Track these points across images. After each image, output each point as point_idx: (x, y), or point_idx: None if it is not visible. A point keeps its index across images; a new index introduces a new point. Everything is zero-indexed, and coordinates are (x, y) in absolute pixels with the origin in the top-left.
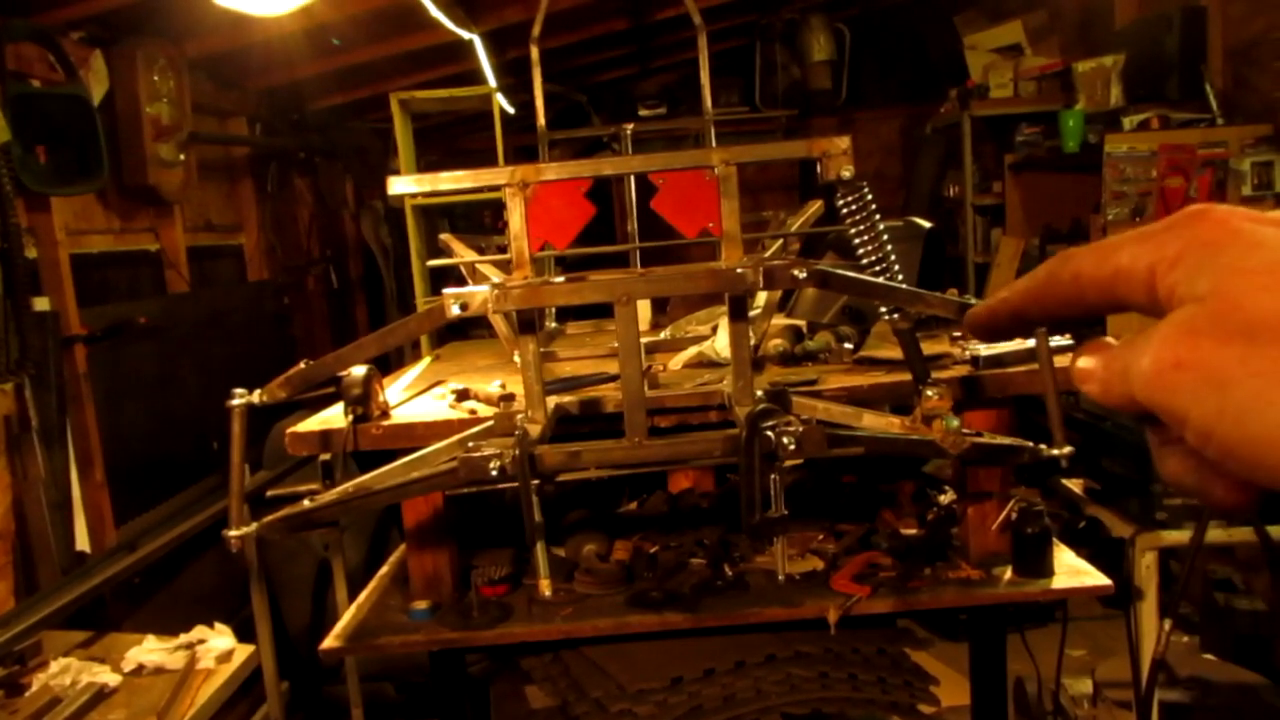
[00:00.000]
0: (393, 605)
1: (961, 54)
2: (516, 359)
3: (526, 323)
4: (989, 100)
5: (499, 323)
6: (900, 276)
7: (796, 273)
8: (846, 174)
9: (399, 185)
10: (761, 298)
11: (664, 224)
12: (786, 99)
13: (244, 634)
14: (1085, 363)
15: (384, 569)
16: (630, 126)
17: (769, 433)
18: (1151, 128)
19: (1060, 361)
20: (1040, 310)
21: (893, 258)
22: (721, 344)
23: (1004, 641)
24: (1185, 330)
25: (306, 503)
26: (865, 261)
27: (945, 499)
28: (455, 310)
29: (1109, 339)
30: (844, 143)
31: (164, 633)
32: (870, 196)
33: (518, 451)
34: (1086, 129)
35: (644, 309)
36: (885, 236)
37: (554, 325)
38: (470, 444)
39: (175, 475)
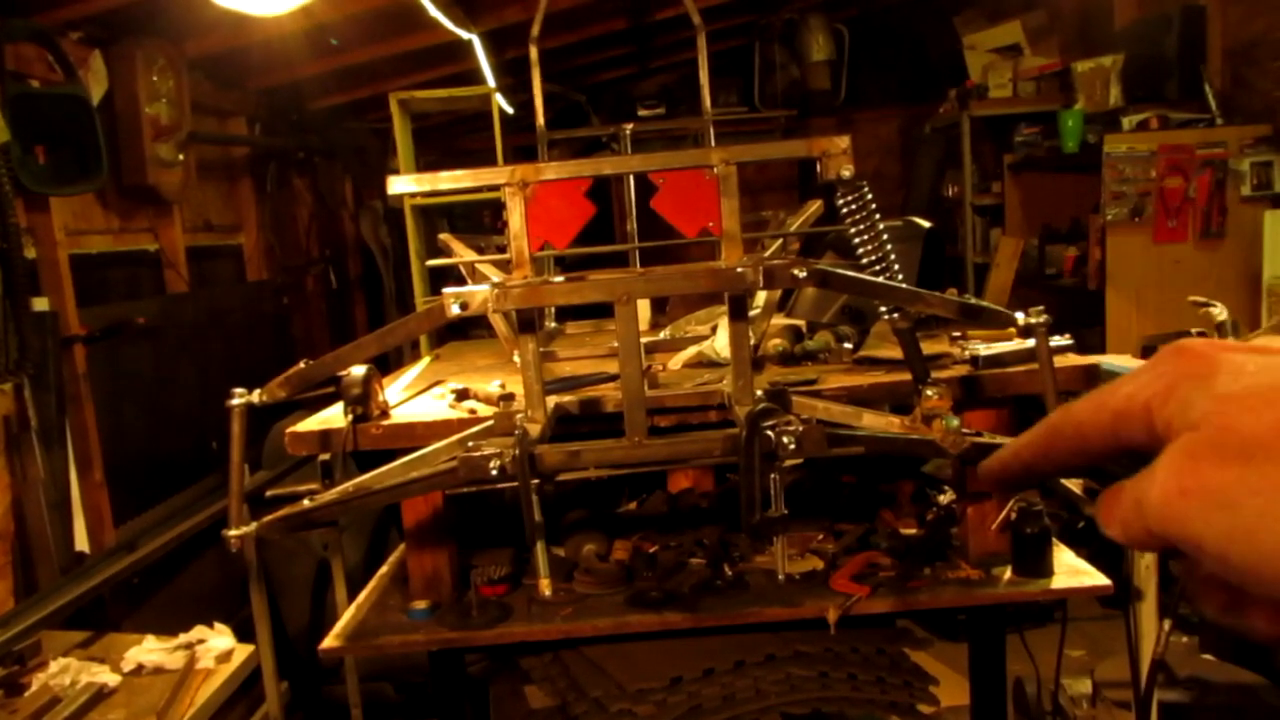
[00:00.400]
0: (392, 605)
1: (960, 54)
2: (516, 359)
3: (526, 322)
4: (988, 100)
5: (498, 322)
6: (900, 276)
7: (796, 272)
8: (846, 173)
9: (398, 185)
10: (761, 297)
11: (663, 224)
12: (785, 99)
13: (243, 634)
14: (1105, 501)
15: (383, 569)
16: (629, 126)
17: (769, 432)
18: (1151, 128)
19: (1061, 360)
20: (1049, 464)
21: (892, 257)
22: (721, 344)
23: (1003, 641)
24: (1185, 458)
25: (306, 502)
26: (865, 261)
27: (945, 499)
28: (455, 309)
29: (1123, 483)
30: (843, 142)
31: (163, 633)
32: (870, 196)
33: (518, 451)
34: (1086, 129)
35: (643, 309)
36: (885, 236)
37: (553, 325)
38: (470, 443)
39: (174, 475)
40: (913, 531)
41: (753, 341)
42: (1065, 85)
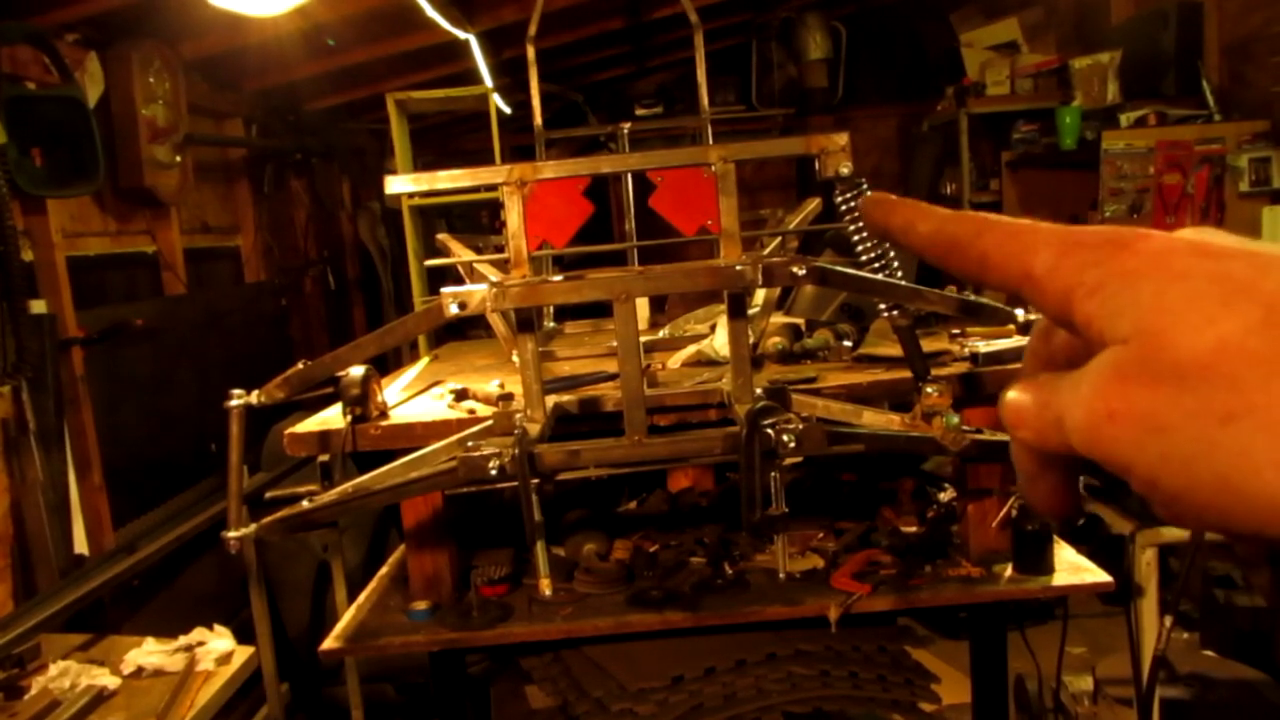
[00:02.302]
0: (392, 606)
1: (958, 51)
2: (514, 359)
3: (525, 321)
4: (985, 98)
5: (497, 322)
6: (899, 273)
7: (795, 269)
8: (844, 171)
9: (396, 184)
10: (760, 296)
11: (661, 222)
12: (783, 97)
13: (243, 636)
14: (1016, 401)
15: (383, 569)
16: (627, 126)
17: (769, 430)
18: (1148, 124)
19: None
20: (937, 259)
21: (891, 254)
22: (720, 342)
23: (1004, 639)
24: (1114, 376)
25: (305, 504)
26: (864, 258)
27: (945, 496)
28: (454, 309)
29: (1035, 380)
30: (842, 139)
31: (163, 635)
32: (869, 193)
33: (517, 450)
34: (1083, 126)
35: (642, 308)
36: None
37: (552, 325)
38: (469, 443)
39: (173, 477)
40: (913, 529)
41: (752, 340)
42: (1063, 82)
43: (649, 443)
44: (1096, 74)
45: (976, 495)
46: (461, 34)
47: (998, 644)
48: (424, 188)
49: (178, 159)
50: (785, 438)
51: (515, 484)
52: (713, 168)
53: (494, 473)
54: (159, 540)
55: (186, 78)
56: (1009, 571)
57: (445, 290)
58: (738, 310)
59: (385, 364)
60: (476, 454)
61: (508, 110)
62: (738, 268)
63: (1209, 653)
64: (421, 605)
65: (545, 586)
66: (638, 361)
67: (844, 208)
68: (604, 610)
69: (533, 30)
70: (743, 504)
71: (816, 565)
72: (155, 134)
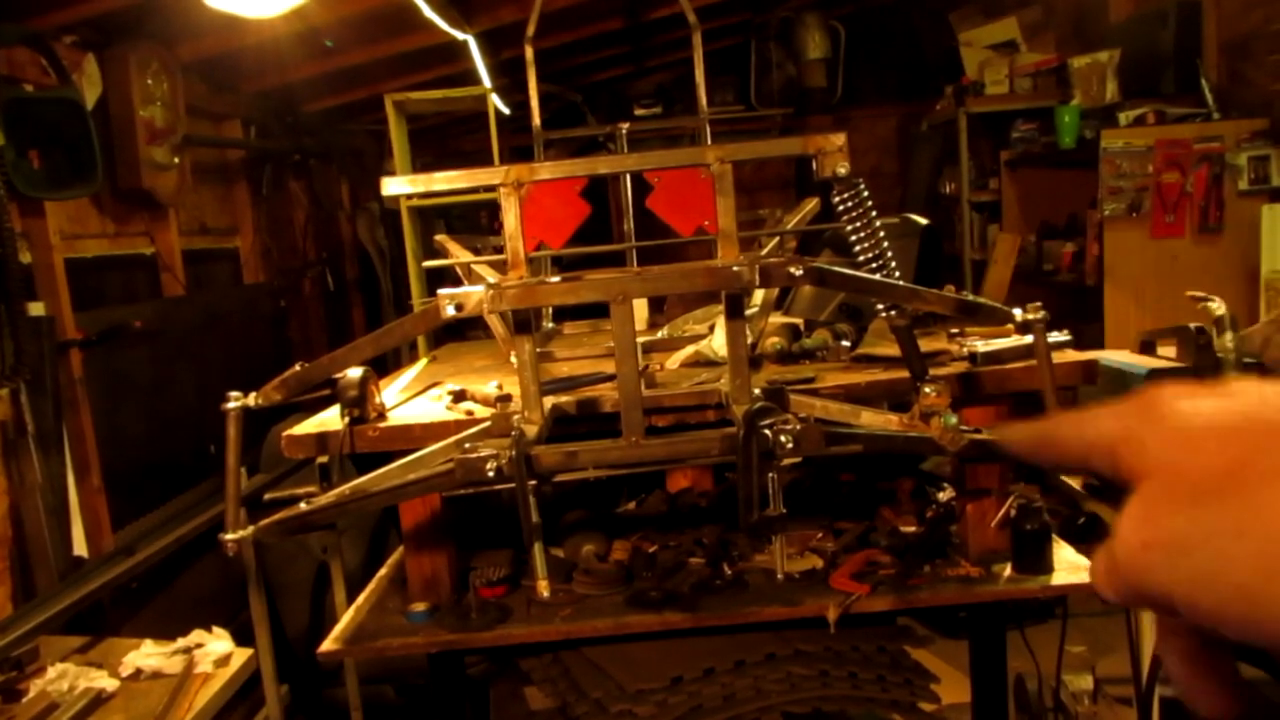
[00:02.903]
0: (391, 607)
1: (957, 51)
2: (513, 360)
3: (522, 323)
4: (984, 97)
5: (495, 323)
6: (897, 273)
7: (793, 270)
8: (842, 170)
9: (393, 186)
10: (759, 296)
11: (660, 223)
12: (782, 97)
13: (243, 637)
14: (1092, 566)
15: (383, 571)
16: (625, 126)
17: (766, 431)
18: (1147, 123)
19: (1059, 355)
20: (1040, 459)
21: (889, 254)
22: (719, 342)
23: (1004, 639)
24: (1142, 508)
25: (303, 505)
26: (862, 258)
27: (944, 496)
28: (451, 310)
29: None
30: (839, 139)
31: (163, 637)
32: (866, 193)
33: (514, 452)
34: (1082, 124)
35: (640, 309)
36: (881, 233)
37: (550, 325)
38: (467, 445)
39: (173, 479)
40: (912, 529)
41: (750, 340)
42: (1062, 81)
43: (646, 444)
44: (1095, 73)
45: (975, 495)
46: (460, 35)
47: (997, 643)
48: (421, 189)
49: (175, 160)
50: (783, 439)
51: (513, 486)
52: (710, 168)
53: (491, 474)
54: (157, 542)
55: (184, 79)
56: (1008, 571)
57: (442, 292)
58: (735, 311)
59: (385, 365)
60: (474, 456)
61: (506, 111)
62: (735, 269)
63: None
64: (420, 607)
65: (543, 588)
66: (635, 363)
67: (841, 207)
68: (603, 611)
69: (531, 31)
70: (740, 505)
71: (815, 565)
72: (153, 135)
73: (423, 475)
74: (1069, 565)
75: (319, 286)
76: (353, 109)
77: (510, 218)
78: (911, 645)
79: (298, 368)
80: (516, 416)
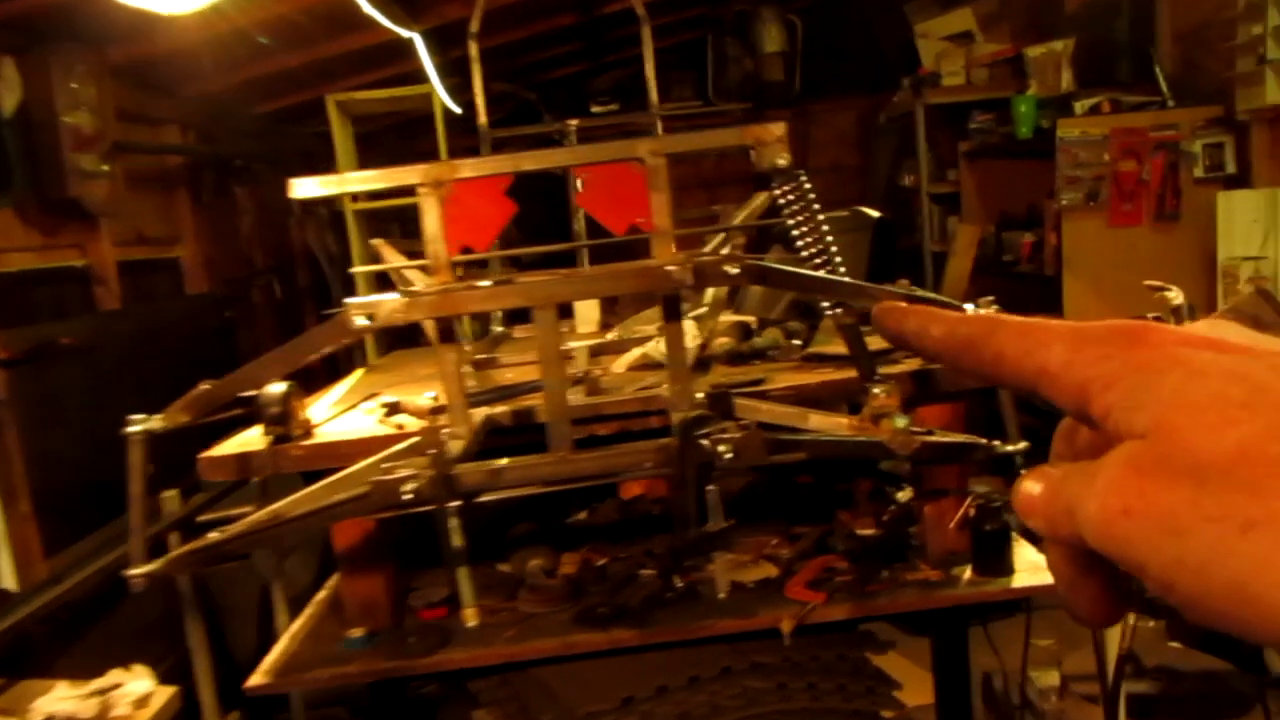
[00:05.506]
0: (326, 634)
1: (913, 42)
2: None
3: (446, 331)
4: (941, 88)
5: (432, 330)
6: (843, 269)
7: (728, 269)
8: (782, 162)
9: (303, 188)
10: (709, 294)
11: None
12: (740, 92)
13: (189, 665)
14: (1029, 490)
15: (321, 594)
16: (575, 122)
17: (704, 441)
18: (1103, 111)
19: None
20: (952, 364)
21: (834, 249)
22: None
23: (966, 639)
24: (1131, 472)
25: (214, 535)
26: (805, 254)
27: (904, 496)
28: (361, 321)
29: (1050, 468)
30: (778, 129)
31: (102, 672)
32: (808, 185)
33: (433, 472)
34: (1039, 114)
35: (592, 309)
36: (825, 227)
37: (500, 329)
38: (385, 465)
39: (111, 501)
40: (870, 532)
41: (700, 340)
42: (1018, 71)
43: (575, 458)
44: (1051, 62)
45: (933, 496)
46: (405, 33)
47: (959, 644)
48: (334, 190)
49: (106, 168)
50: (722, 449)
51: (432, 509)
52: (643, 162)
53: (409, 497)
54: (86, 569)
55: (117, 83)
56: (968, 574)
57: (350, 301)
58: (672, 313)
59: (338, 373)
60: (389, 478)
61: (458, 110)
62: (667, 269)
63: (1176, 644)
64: (356, 633)
65: (470, 617)
66: (561, 371)
67: (783, 201)
68: (548, 630)
69: (474, 26)
70: (675, 522)
71: (770, 574)
72: (80, 143)
73: (337, 500)
74: (1031, 566)
75: (270, 296)
76: (301, 111)
77: (430, 219)
78: (874, 651)
79: (205, 386)
80: (446, 430)
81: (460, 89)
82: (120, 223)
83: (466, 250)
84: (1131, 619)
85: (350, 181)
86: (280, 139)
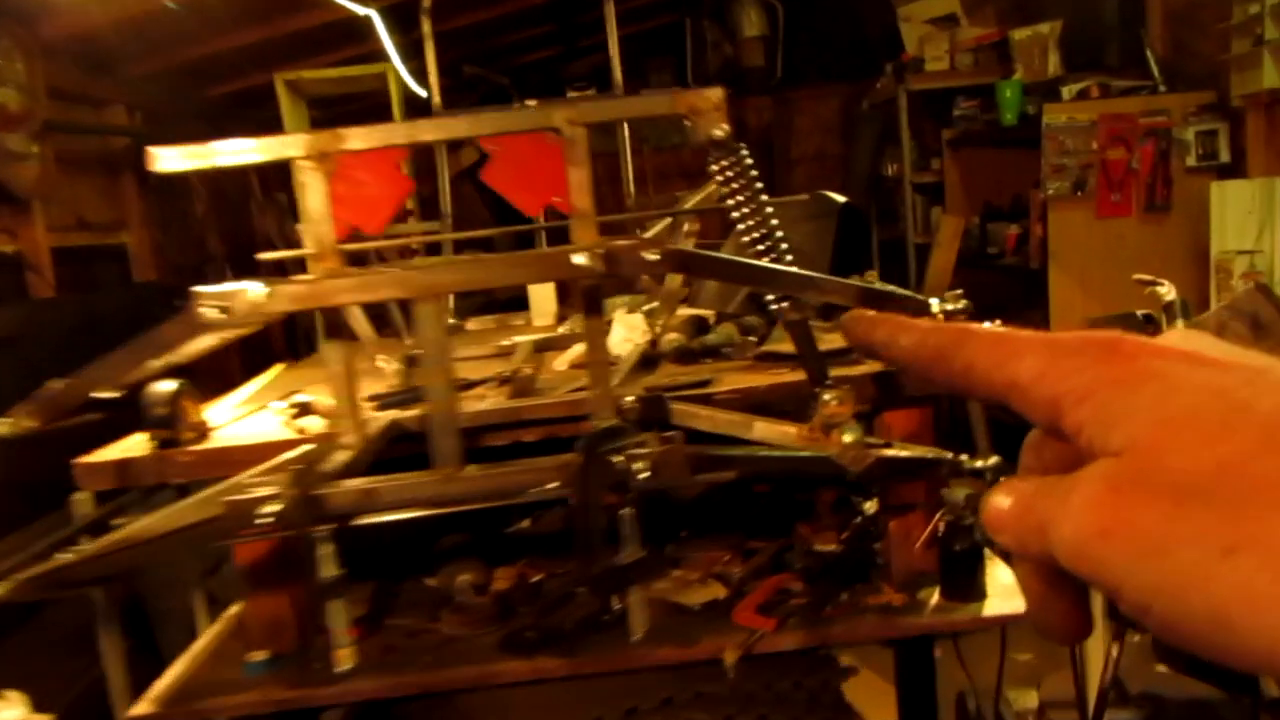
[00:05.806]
0: (229, 656)
1: (896, 26)
2: (380, 362)
3: (333, 325)
4: (925, 74)
5: (358, 319)
6: (789, 257)
7: (647, 255)
8: (719, 134)
9: (165, 160)
10: (665, 286)
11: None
12: (720, 77)
13: (133, 670)
14: (999, 505)
15: (231, 609)
16: (534, 103)
17: (616, 458)
18: (1091, 97)
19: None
20: (921, 375)
21: (779, 234)
22: (615, 339)
23: (932, 661)
24: (1107, 490)
25: (62, 557)
26: (746, 240)
27: (871, 507)
28: (212, 314)
29: (1021, 482)
30: (715, 96)
31: (22, 684)
32: (750, 160)
33: (295, 493)
34: (1025, 100)
35: (548, 301)
36: (770, 209)
37: (453, 321)
38: (247, 480)
39: (40, 500)
40: (830, 548)
41: (651, 336)
42: (1003, 56)
43: (463, 477)
44: (1037, 45)
45: (899, 510)
46: (360, 9)
47: (925, 665)
48: (200, 164)
49: (35, 149)
50: (637, 466)
51: (297, 533)
52: (560, 133)
53: (270, 520)
54: None
55: (51, 61)
56: (935, 598)
57: (201, 290)
58: (593, 307)
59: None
60: (245, 498)
61: (422, 92)
62: (573, 257)
63: (1162, 668)
64: (259, 656)
65: (342, 660)
66: (445, 376)
67: (720, 178)
68: (469, 656)
69: (426, 2)
70: (576, 552)
71: (718, 595)
72: (6, 122)
73: (186, 525)
74: (1004, 590)
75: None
76: (257, 95)
77: (312, 197)
78: (835, 680)
79: (53, 384)
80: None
81: (421, 72)
82: (57, 207)
83: (357, 233)
84: (1114, 650)
85: (218, 153)
86: (236, 122)
